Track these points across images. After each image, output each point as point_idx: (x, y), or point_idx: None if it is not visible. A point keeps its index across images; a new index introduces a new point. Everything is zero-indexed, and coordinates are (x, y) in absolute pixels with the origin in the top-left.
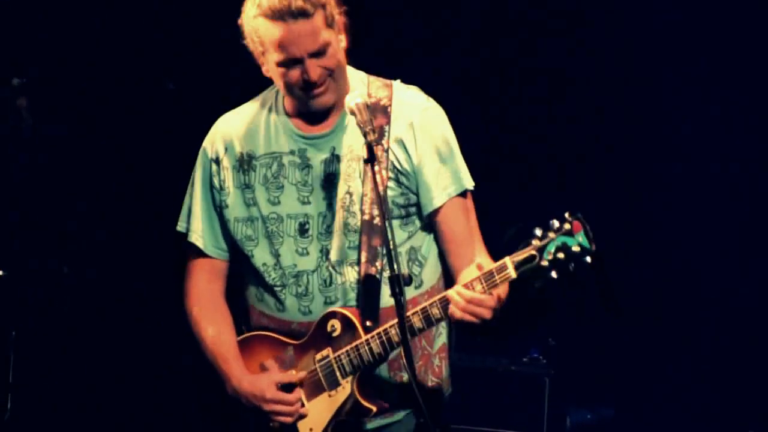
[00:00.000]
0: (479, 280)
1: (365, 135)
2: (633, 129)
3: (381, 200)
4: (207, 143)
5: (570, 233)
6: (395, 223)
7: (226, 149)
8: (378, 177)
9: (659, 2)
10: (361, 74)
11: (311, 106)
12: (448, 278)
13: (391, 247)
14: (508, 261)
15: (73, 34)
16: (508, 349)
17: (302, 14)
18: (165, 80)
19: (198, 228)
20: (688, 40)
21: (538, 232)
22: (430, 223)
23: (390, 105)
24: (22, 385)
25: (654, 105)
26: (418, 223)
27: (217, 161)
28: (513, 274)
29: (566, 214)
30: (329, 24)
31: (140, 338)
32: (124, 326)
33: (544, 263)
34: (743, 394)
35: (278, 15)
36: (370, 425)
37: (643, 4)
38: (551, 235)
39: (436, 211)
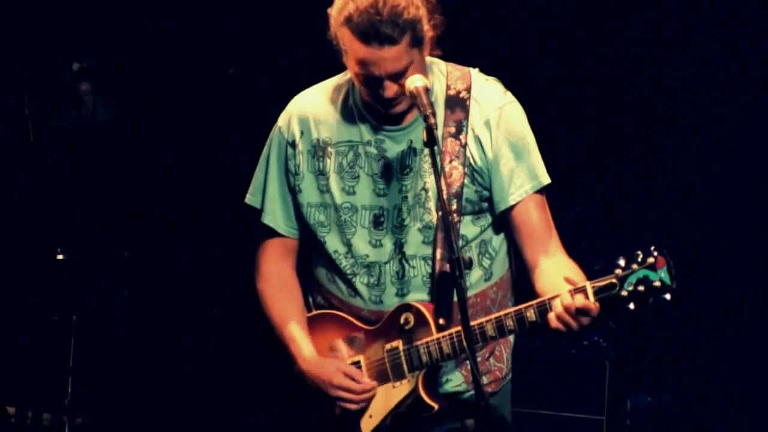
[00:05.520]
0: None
1: (425, 119)
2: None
3: (438, 178)
4: (282, 123)
5: (653, 267)
6: (467, 218)
7: (302, 133)
8: (439, 161)
9: None
10: (440, 64)
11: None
12: (517, 270)
13: (452, 233)
14: (588, 286)
15: (134, 18)
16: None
17: (388, 40)
18: (226, 66)
19: (271, 208)
20: None
21: (622, 262)
22: (502, 218)
23: (468, 98)
24: (82, 368)
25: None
26: (489, 218)
27: (293, 144)
28: (591, 300)
29: (652, 248)
30: (415, 45)
31: (201, 322)
32: (184, 310)
33: (624, 293)
34: None
35: (364, 37)
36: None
37: None
38: (634, 266)
39: (511, 207)
